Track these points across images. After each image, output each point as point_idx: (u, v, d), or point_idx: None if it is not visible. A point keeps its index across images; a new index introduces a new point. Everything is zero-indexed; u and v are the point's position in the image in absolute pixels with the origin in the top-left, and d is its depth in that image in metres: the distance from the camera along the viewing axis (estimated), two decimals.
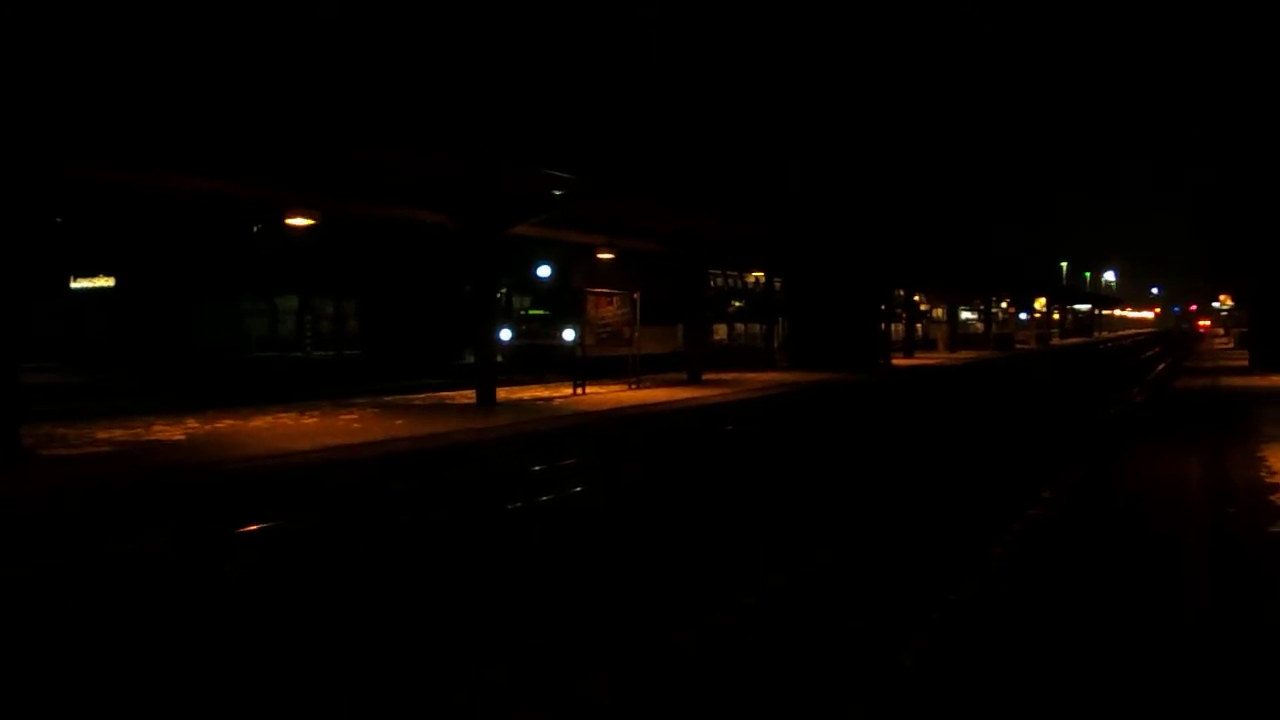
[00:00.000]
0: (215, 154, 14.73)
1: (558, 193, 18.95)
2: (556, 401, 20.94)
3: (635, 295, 25.19)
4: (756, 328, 48.43)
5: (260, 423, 16.17)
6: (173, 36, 10.80)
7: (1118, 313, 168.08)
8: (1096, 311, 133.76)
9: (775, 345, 43.44)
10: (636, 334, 25.36)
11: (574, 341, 28.37)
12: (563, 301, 30.69)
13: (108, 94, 11.74)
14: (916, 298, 56.45)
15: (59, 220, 39.91)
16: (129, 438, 14.19)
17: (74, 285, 39.60)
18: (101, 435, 14.37)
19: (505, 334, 31.52)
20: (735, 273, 46.07)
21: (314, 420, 16.64)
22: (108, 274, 39.93)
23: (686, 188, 21.96)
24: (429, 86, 14.99)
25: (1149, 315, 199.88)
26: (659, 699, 5.21)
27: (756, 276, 46.13)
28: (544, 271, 33.50)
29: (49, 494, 10.32)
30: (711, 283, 42.27)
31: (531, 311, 33.54)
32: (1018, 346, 69.13)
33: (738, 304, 48.00)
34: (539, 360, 30.43)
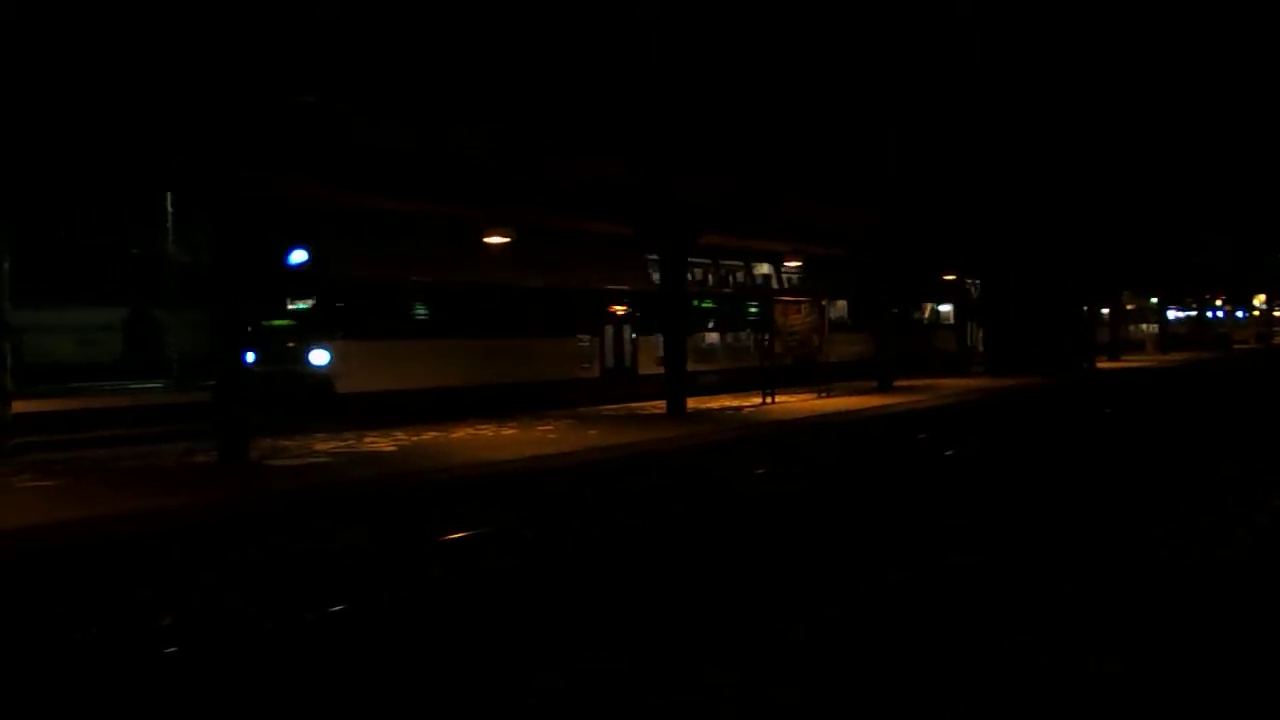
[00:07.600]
0: (424, 177, 15.49)
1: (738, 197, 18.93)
2: (746, 410, 20.80)
3: (824, 302, 24.80)
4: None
5: (462, 434, 16.75)
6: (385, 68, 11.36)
7: None
8: None
9: (968, 350, 41.81)
10: (825, 341, 24.89)
11: (326, 367, 18.73)
12: (317, 303, 19.52)
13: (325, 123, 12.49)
14: (1123, 300, 53.39)
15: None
16: (343, 448, 14.96)
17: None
18: (319, 447, 15.20)
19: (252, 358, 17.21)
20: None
21: (512, 431, 17.11)
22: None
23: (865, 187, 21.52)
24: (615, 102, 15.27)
25: None
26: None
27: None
28: (298, 257, 19.49)
29: (280, 499, 10.98)
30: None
31: (275, 322, 19.73)
32: (1236, 346, 64.34)
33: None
34: (279, 396, 18.23)
